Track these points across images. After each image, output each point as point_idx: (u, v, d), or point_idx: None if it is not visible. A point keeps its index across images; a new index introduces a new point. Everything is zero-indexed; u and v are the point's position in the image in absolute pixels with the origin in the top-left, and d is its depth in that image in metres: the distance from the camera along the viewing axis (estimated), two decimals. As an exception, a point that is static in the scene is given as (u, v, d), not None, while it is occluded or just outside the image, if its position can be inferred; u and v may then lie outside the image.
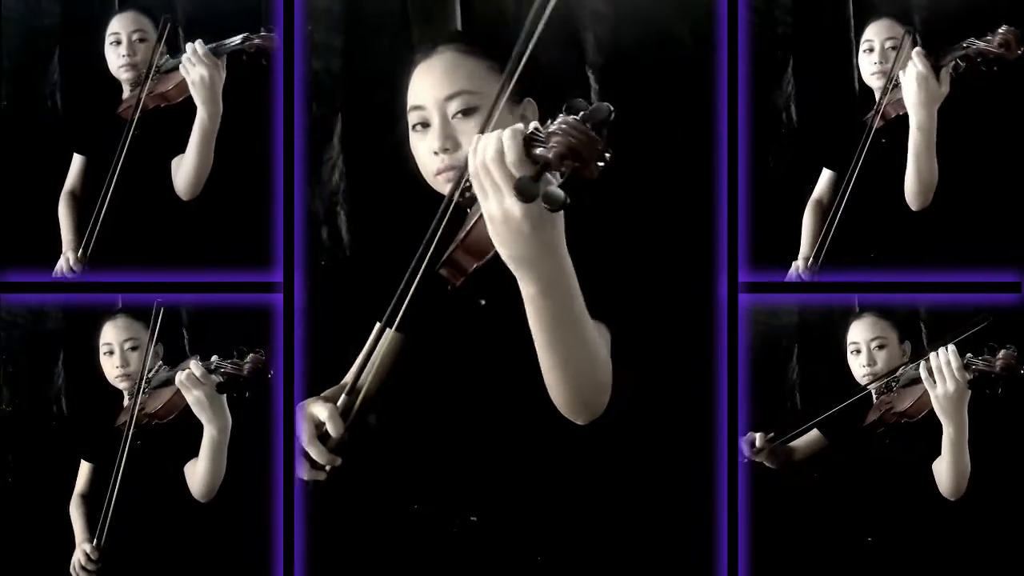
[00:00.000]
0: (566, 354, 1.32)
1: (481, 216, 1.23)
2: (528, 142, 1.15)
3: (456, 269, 1.33)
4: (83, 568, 1.79)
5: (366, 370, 1.54)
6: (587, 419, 1.41)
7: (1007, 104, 1.81)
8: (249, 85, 1.81)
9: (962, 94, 1.80)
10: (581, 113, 1.11)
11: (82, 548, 1.80)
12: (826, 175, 1.88)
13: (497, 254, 1.24)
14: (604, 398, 1.40)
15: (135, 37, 1.87)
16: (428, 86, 1.55)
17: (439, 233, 1.40)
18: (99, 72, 1.88)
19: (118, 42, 1.87)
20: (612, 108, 1.11)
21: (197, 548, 1.79)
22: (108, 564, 1.79)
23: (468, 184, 1.38)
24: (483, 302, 1.54)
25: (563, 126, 1.11)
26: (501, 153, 1.16)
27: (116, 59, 1.87)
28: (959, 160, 1.81)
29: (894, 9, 1.85)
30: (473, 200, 1.36)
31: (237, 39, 1.82)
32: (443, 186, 1.53)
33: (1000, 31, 1.78)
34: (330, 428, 1.50)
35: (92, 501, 1.84)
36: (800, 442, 1.84)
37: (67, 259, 1.86)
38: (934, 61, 1.80)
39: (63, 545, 1.82)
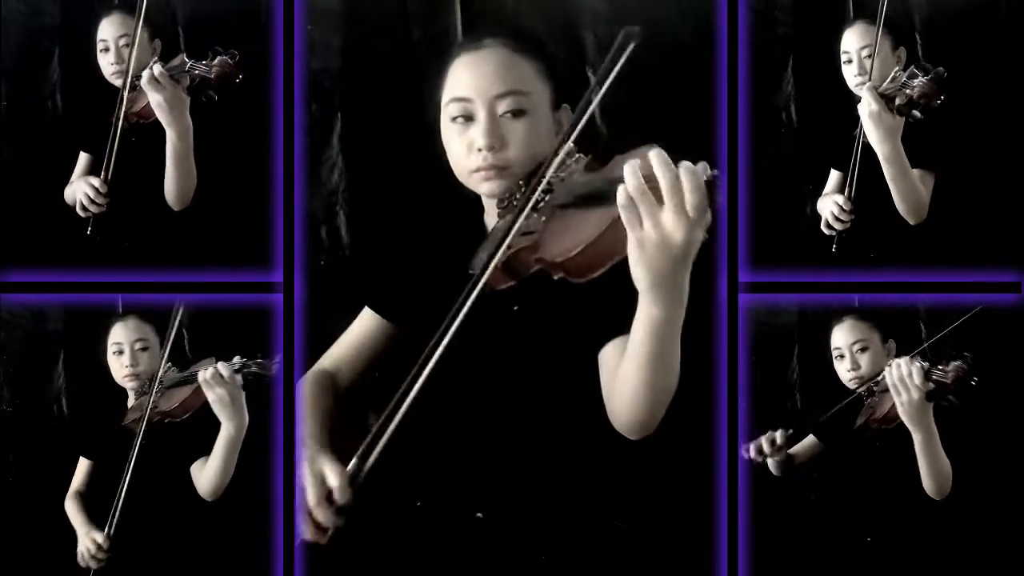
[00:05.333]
0: (661, 368, 1.34)
1: (594, 240, 1.25)
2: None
3: (510, 274, 1.34)
4: (93, 557, 1.80)
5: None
6: (643, 434, 1.42)
7: (1006, 103, 1.81)
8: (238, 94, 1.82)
9: (960, 94, 1.80)
10: None
11: (91, 537, 1.80)
12: (835, 175, 1.88)
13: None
14: (663, 412, 1.41)
15: (122, 43, 1.86)
16: (477, 79, 1.50)
17: (496, 256, 1.38)
18: (99, 73, 1.88)
19: (106, 49, 1.86)
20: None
21: (199, 547, 1.80)
22: (117, 555, 1.80)
23: (517, 195, 1.40)
24: (516, 308, 1.52)
25: None
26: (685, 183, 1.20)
27: (107, 67, 1.87)
28: (958, 160, 1.82)
29: (872, 12, 1.85)
30: (510, 210, 1.38)
31: (188, 63, 1.81)
32: (480, 184, 1.51)
33: (917, 82, 1.78)
34: (337, 496, 1.38)
35: (89, 498, 1.84)
36: (799, 448, 1.85)
37: (91, 185, 1.85)
38: (886, 91, 1.80)
39: (63, 545, 1.82)
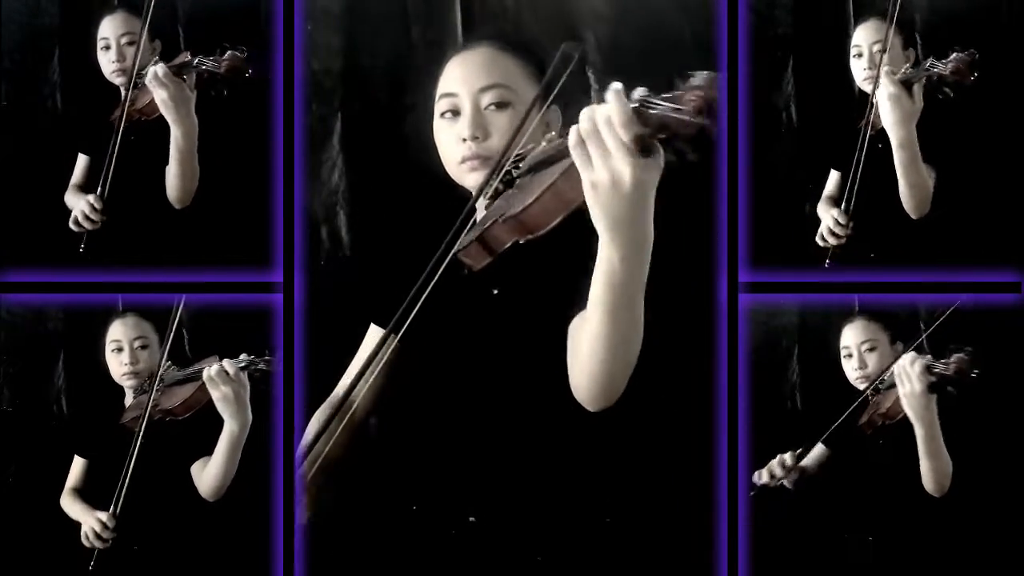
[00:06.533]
0: (619, 327, 1.31)
1: (548, 188, 1.25)
2: (641, 107, 1.17)
3: (487, 249, 1.33)
4: (98, 536, 1.80)
5: (362, 382, 1.52)
6: (602, 405, 1.40)
7: (1006, 104, 1.81)
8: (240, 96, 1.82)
9: (960, 94, 1.80)
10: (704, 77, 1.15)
11: (96, 516, 1.80)
12: (834, 175, 1.89)
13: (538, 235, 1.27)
14: (624, 384, 1.40)
15: (124, 41, 1.86)
16: (463, 75, 1.56)
17: (455, 227, 1.40)
18: (98, 73, 1.88)
19: (107, 47, 1.86)
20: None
21: (197, 548, 1.80)
22: (123, 534, 1.80)
23: (504, 178, 1.41)
24: (496, 291, 1.54)
25: (698, 83, 1.14)
26: (612, 116, 1.17)
27: (107, 64, 1.87)
28: (958, 161, 1.82)
29: (881, 9, 1.85)
30: (498, 193, 1.39)
31: (196, 59, 1.81)
32: (466, 175, 1.54)
33: (951, 58, 1.78)
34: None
35: (85, 496, 1.84)
36: (809, 460, 1.84)
37: (87, 202, 1.85)
38: (905, 77, 1.80)
39: (63, 544, 1.82)
